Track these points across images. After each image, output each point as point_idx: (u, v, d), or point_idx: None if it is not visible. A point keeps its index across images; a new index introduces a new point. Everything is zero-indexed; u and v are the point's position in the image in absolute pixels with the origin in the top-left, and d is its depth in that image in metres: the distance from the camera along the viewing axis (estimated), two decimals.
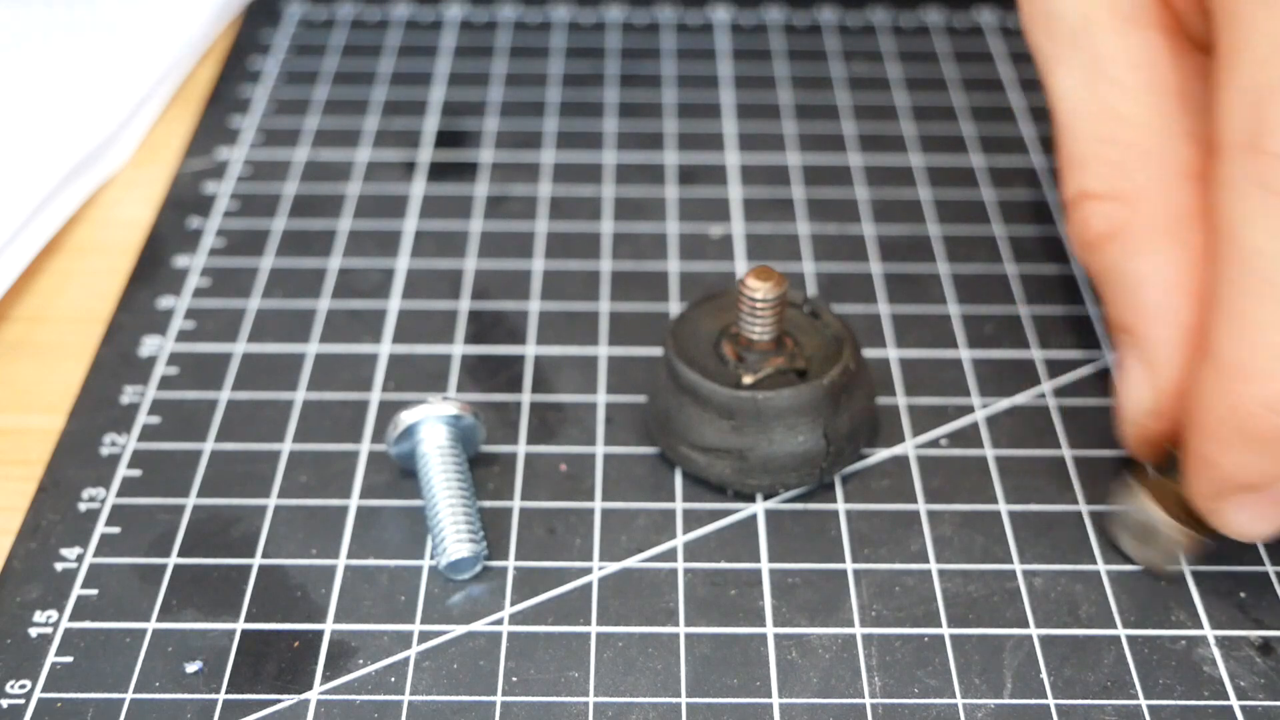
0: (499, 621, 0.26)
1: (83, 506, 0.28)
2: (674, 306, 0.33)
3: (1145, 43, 0.27)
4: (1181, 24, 0.27)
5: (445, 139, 0.39)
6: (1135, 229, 0.27)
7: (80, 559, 0.27)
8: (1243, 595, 0.27)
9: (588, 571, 0.27)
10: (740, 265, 0.34)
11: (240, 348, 0.32)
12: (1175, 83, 0.27)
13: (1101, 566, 0.27)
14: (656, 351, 0.32)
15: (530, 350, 0.32)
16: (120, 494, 0.28)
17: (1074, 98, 0.28)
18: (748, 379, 0.28)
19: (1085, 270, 0.29)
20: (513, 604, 0.26)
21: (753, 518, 0.28)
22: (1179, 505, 0.26)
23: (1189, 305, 0.26)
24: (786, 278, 0.28)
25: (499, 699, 0.25)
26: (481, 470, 0.29)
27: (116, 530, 0.28)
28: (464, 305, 0.33)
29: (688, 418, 0.28)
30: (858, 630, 0.26)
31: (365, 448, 0.29)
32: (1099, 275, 0.28)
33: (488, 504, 0.28)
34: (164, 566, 0.27)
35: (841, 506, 0.28)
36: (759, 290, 0.27)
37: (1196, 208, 0.26)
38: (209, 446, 0.29)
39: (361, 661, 0.25)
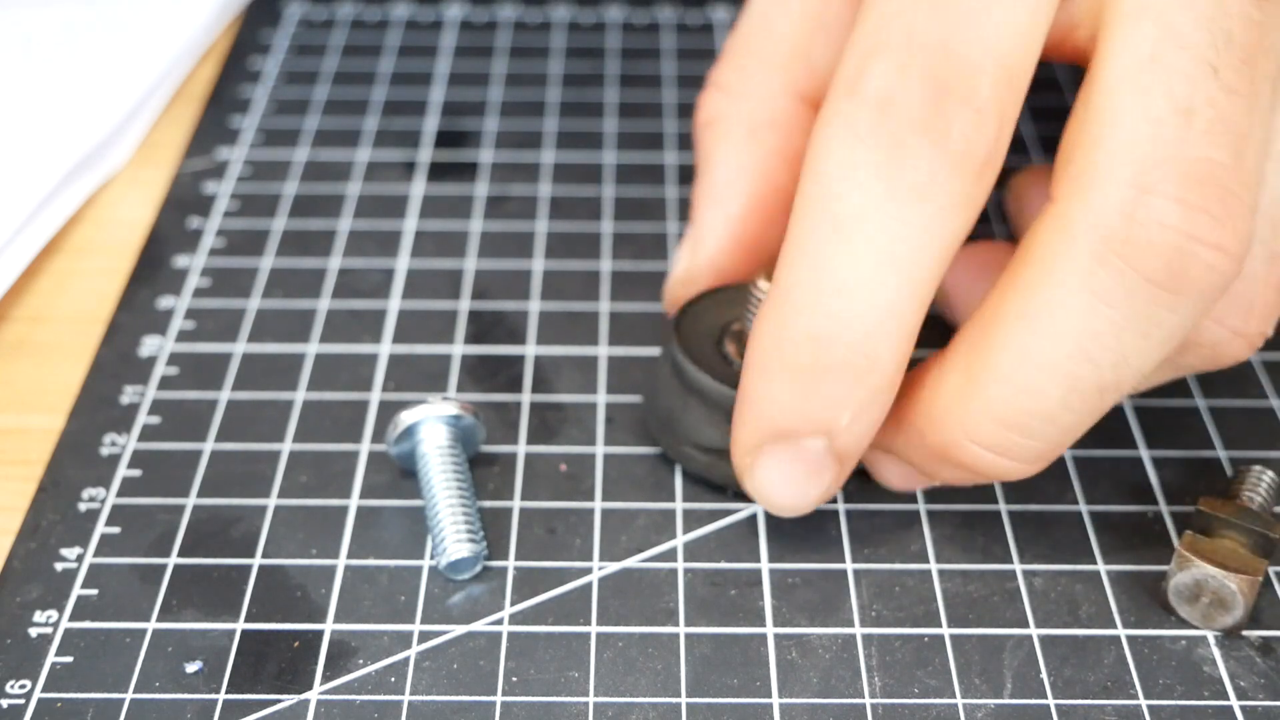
0: (499, 621, 0.26)
1: (83, 506, 0.28)
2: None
3: None
4: None
5: (445, 139, 0.39)
6: (728, 120, 0.29)
7: (80, 559, 0.27)
8: None
9: (588, 571, 0.27)
10: None
11: (240, 348, 0.32)
12: (829, 18, 0.29)
13: (1101, 566, 0.27)
14: (657, 351, 0.32)
15: (530, 350, 0.32)
16: (120, 494, 0.28)
17: (751, 9, 0.31)
18: None
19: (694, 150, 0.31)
20: (513, 604, 0.26)
21: (753, 518, 0.28)
22: (1226, 556, 0.25)
23: (740, 198, 0.29)
24: None
25: (499, 699, 0.25)
26: (481, 470, 0.29)
27: (116, 530, 0.28)
28: (464, 305, 0.33)
29: (692, 418, 0.28)
30: (858, 630, 0.26)
31: (365, 448, 0.29)
32: (697, 154, 0.31)
33: (488, 504, 0.28)
34: (164, 566, 0.27)
35: (841, 506, 0.28)
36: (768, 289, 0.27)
37: (787, 123, 0.29)
38: (209, 446, 0.29)
39: (361, 661, 0.25)
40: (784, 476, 0.25)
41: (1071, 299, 0.23)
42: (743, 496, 0.28)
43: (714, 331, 0.29)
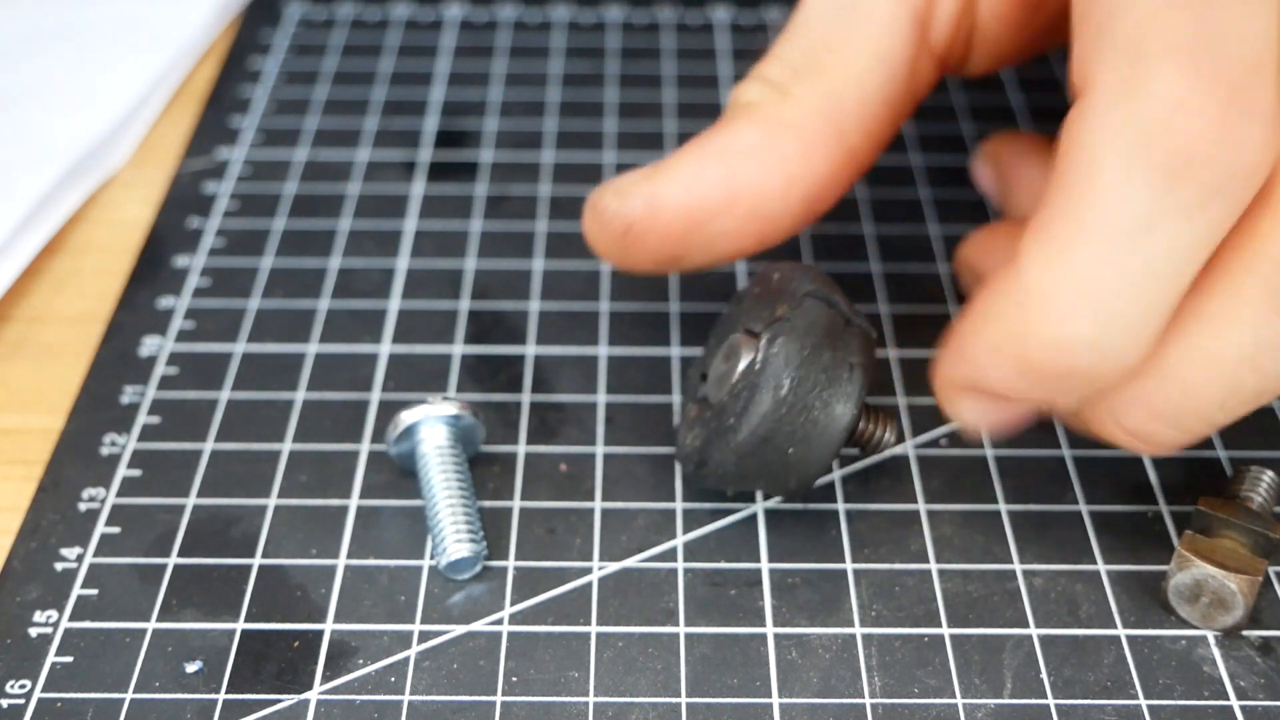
0: (499, 621, 0.26)
1: (83, 506, 0.28)
2: (674, 306, 0.33)
3: (890, 13, 0.28)
4: (926, 26, 0.28)
5: (445, 139, 0.39)
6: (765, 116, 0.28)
7: (80, 559, 0.27)
8: None
9: (588, 571, 0.27)
10: (741, 265, 0.34)
11: (240, 348, 0.32)
12: (891, 59, 0.28)
13: (1101, 566, 0.27)
14: (657, 351, 0.32)
15: (530, 350, 0.32)
16: (120, 494, 0.28)
17: (812, 9, 0.29)
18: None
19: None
20: (513, 604, 0.26)
21: (753, 518, 0.28)
22: (1226, 556, 0.25)
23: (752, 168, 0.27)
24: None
25: (499, 699, 0.25)
26: (481, 470, 0.29)
27: (116, 530, 0.28)
28: (464, 305, 0.33)
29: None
30: (858, 630, 0.26)
31: (365, 448, 0.29)
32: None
33: (488, 504, 0.28)
34: (164, 566, 0.27)
35: (841, 506, 0.28)
36: None
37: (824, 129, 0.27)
38: (209, 446, 0.29)
39: (361, 661, 0.25)
40: (983, 413, 0.25)
41: (1250, 309, 0.23)
42: (743, 496, 0.28)
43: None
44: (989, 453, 0.29)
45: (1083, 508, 0.28)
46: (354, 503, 0.28)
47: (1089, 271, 0.22)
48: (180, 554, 0.27)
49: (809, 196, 0.27)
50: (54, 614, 0.26)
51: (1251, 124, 0.22)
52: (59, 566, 0.27)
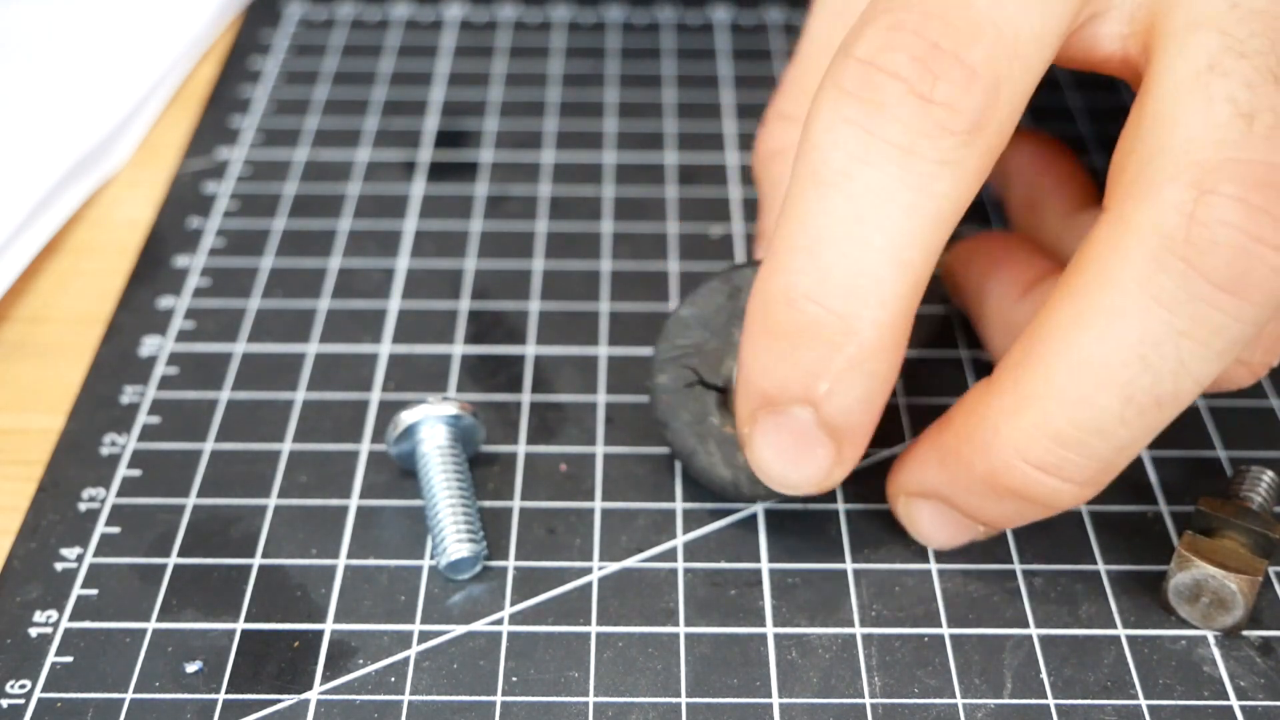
0: (499, 621, 0.26)
1: (83, 506, 0.28)
2: (674, 306, 0.33)
3: None
4: None
5: (445, 139, 0.39)
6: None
7: (80, 559, 0.27)
8: None
9: (588, 571, 0.27)
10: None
11: (240, 348, 0.32)
12: None
13: (1101, 566, 0.27)
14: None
15: (530, 350, 0.32)
16: (120, 494, 0.28)
17: (814, 36, 0.30)
18: None
19: (755, 179, 0.31)
20: (513, 604, 0.26)
21: (753, 518, 0.28)
22: (1226, 556, 0.25)
23: None
24: None
25: (499, 699, 0.25)
26: (481, 470, 0.29)
27: (116, 530, 0.28)
28: (464, 305, 0.33)
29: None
30: (858, 630, 0.26)
31: (365, 448, 0.29)
32: (761, 185, 0.30)
33: (488, 504, 0.28)
34: (164, 566, 0.27)
35: (841, 506, 0.28)
36: None
37: None
38: (209, 446, 0.29)
39: (361, 661, 0.25)
40: (776, 447, 0.24)
41: (1130, 303, 0.22)
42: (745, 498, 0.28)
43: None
44: None
45: (1083, 508, 0.28)
46: (354, 503, 0.28)
47: (809, 226, 0.23)
48: (180, 554, 0.27)
49: None
50: (54, 614, 0.26)
51: None
52: (59, 566, 0.27)
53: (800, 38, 0.31)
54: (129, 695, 0.25)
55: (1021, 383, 0.23)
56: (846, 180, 0.22)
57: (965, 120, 0.22)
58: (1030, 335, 0.23)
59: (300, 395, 0.31)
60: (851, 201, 0.22)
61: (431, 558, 0.27)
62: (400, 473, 0.29)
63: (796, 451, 0.24)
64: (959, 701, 0.25)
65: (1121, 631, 0.26)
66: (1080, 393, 0.23)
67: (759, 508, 0.28)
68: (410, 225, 0.36)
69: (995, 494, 0.24)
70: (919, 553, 0.27)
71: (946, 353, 0.32)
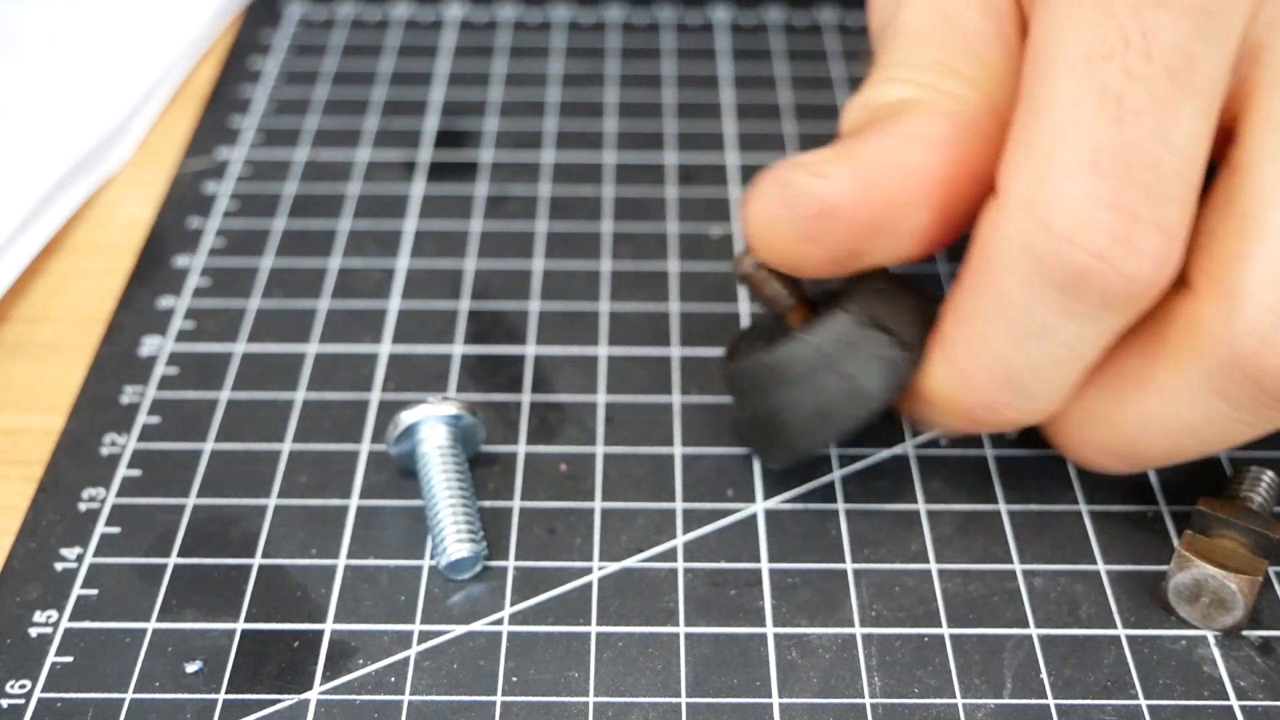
0: (499, 621, 0.26)
1: (83, 506, 0.28)
2: (674, 306, 0.33)
3: None
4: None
5: (445, 139, 0.39)
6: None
7: (80, 559, 0.27)
8: None
9: (588, 571, 0.27)
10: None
11: (240, 348, 0.32)
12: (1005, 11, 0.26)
13: (1101, 566, 0.27)
14: (657, 351, 0.32)
15: (530, 350, 0.32)
16: (120, 494, 0.28)
17: (915, 11, 0.27)
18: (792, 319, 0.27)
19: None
20: (513, 604, 0.26)
21: (753, 518, 0.28)
22: (1226, 556, 0.25)
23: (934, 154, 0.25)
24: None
25: (499, 699, 0.25)
26: (481, 470, 0.29)
27: (116, 530, 0.28)
28: (464, 305, 0.33)
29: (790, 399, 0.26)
30: (858, 630, 0.26)
31: (365, 448, 0.29)
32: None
33: (488, 504, 0.28)
34: (164, 566, 0.27)
35: (841, 506, 0.28)
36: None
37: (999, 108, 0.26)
38: (209, 446, 0.29)
39: (361, 661, 0.25)
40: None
41: (1195, 392, 0.24)
42: (743, 496, 0.28)
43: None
44: (989, 453, 0.29)
45: (1083, 508, 0.28)
46: (354, 503, 0.28)
47: (998, 360, 0.25)
48: (180, 554, 0.27)
49: (980, 199, 0.26)
50: (54, 614, 0.26)
51: (1152, 238, 0.22)
52: (59, 566, 0.27)
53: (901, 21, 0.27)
54: (129, 695, 0.25)
55: (1094, 413, 0.26)
56: (1048, 335, 0.24)
57: (1161, 282, 0.23)
58: (1110, 372, 0.25)
59: (300, 395, 0.31)
60: (1050, 350, 0.24)
61: (431, 558, 0.27)
62: (400, 473, 0.29)
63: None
64: (959, 701, 0.25)
65: (1121, 631, 0.26)
66: (1138, 435, 0.25)
67: (759, 508, 0.28)
68: (410, 225, 0.36)
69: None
70: (919, 553, 0.27)
71: None
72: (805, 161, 0.25)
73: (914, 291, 0.27)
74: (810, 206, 0.24)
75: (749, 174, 0.38)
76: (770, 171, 0.25)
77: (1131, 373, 0.25)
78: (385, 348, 0.32)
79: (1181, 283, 0.24)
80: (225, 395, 0.31)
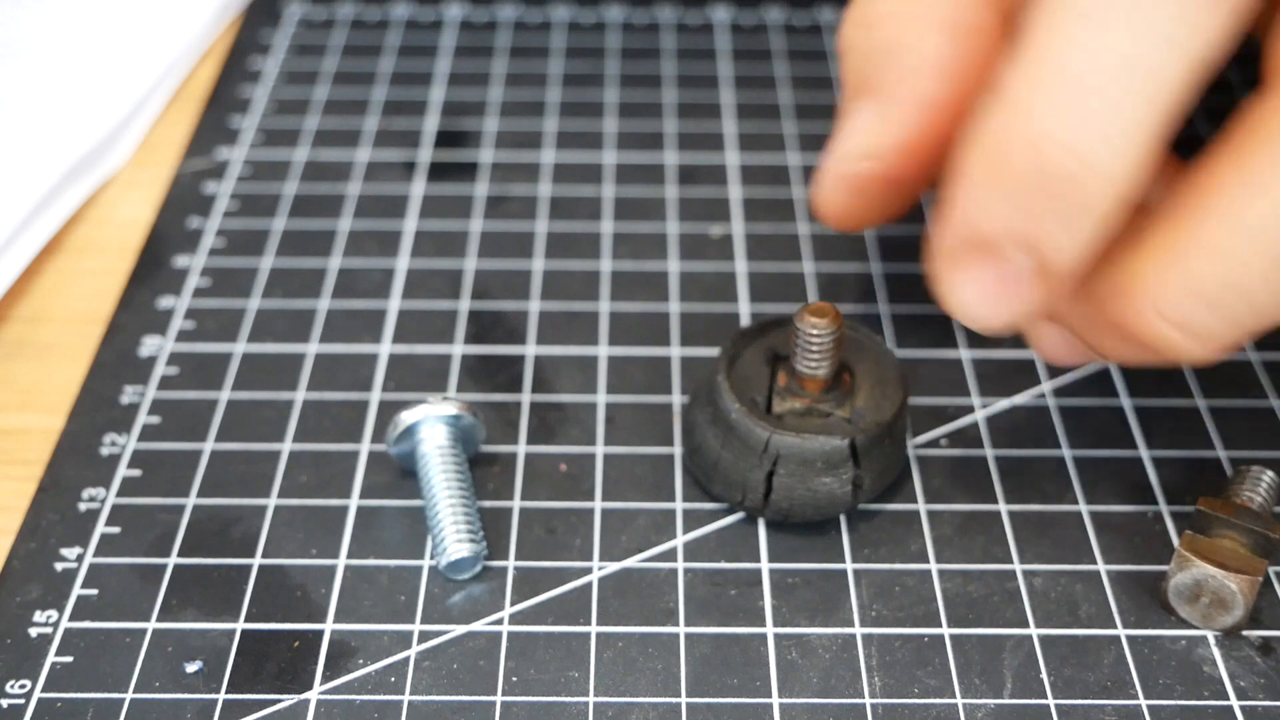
0: (499, 621, 0.26)
1: (83, 506, 0.28)
2: (674, 306, 0.33)
3: None
4: None
5: (445, 139, 0.39)
6: (921, 14, 0.26)
7: (80, 559, 0.27)
8: None
9: (588, 571, 0.27)
10: (741, 265, 0.34)
11: (240, 348, 0.32)
12: None
13: (1101, 566, 0.27)
14: (657, 351, 0.32)
15: (530, 350, 0.32)
16: (120, 494, 0.28)
17: None
18: (778, 407, 0.28)
19: (842, 56, 0.27)
20: (513, 604, 0.26)
21: (753, 517, 0.28)
22: (1226, 556, 0.25)
23: (943, 84, 0.25)
24: (842, 314, 0.27)
25: (499, 699, 0.25)
26: (481, 470, 0.29)
27: (116, 530, 0.28)
28: (464, 305, 0.33)
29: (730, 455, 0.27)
30: (858, 630, 0.26)
31: (365, 448, 0.29)
32: (860, 53, 0.26)
33: (488, 504, 0.28)
34: (164, 566, 0.27)
35: None
36: (815, 327, 0.27)
37: (985, 27, 0.25)
38: (209, 446, 0.29)
39: (361, 661, 0.25)
40: (980, 290, 0.23)
41: None
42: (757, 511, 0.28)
43: (763, 362, 0.28)
44: (989, 453, 0.29)
45: (1083, 508, 0.28)
46: (354, 503, 0.28)
47: (1065, 65, 0.21)
48: (180, 554, 0.27)
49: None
50: (54, 614, 0.26)
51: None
52: (59, 566, 0.27)
53: None
54: (129, 695, 0.25)
55: (1176, 234, 0.23)
56: (1109, 17, 0.21)
57: None
58: (1189, 191, 0.23)
59: (300, 395, 0.31)
60: (1113, 41, 0.21)
61: (431, 558, 0.27)
62: (400, 473, 0.29)
63: (1002, 296, 0.23)
64: (959, 701, 0.25)
65: (1121, 631, 0.26)
66: (1231, 250, 0.22)
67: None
68: (410, 225, 0.36)
69: (1120, 337, 0.24)
70: (919, 553, 0.27)
71: (945, 353, 0.32)
72: (857, 148, 0.26)
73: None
74: (850, 170, 0.26)
75: (749, 174, 0.38)
76: (827, 167, 0.26)
77: (1222, 181, 0.22)
78: (385, 348, 0.32)
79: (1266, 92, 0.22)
80: (225, 395, 0.31)
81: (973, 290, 0.23)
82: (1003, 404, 0.31)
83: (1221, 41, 0.22)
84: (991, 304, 0.23)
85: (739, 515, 0.28)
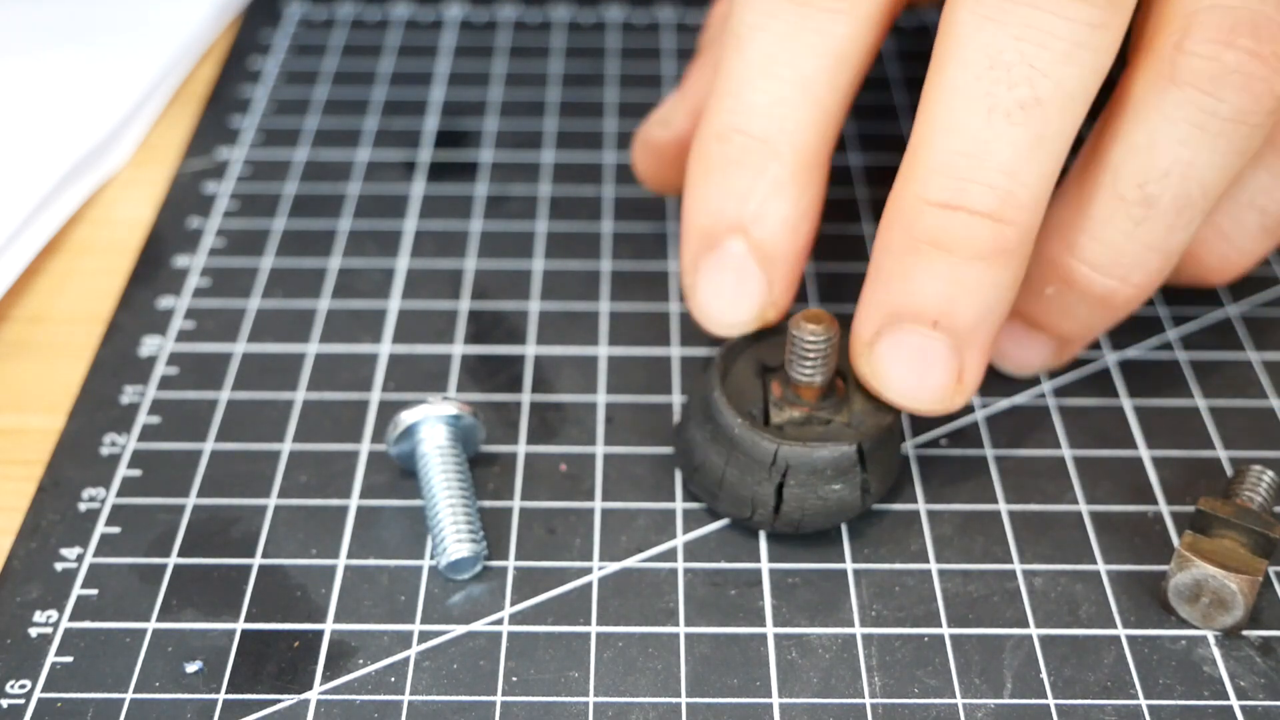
0: (499, 621, 0.26)
1: (83, 506, 0.28)
2: (674, 306, 0.33)
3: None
4: None
5: (445, 139, 0.39)
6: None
7: (80, 559, 0.27)
8: None
9: (588, 571, 0.27)
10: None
11: (240, 348, 0.32)
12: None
13: (1101, 566, 0.27)
14: (657, 351, 0.32)
15: (530, 350, 0.32)
16: (120, 494, 0.28)
17: None
18: (776, 418, 0.28)
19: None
20: (513, 604, 0.26)
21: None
22: (1226, 556, 0.25)
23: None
24: (837, 321, 0.27)
25: (499, 699, 0.25)
26: (481, 470, 0.29)
27: (116, 530, 0.28)
28: (464, 305, 0.33)
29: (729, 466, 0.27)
30: (858, 630, 0.26)
31: (365, 448, 0.29)
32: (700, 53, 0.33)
33: (488, 504, 0.28)
34: (164, 566, 0.27)
35: None
36: (811, 334, 0.27)
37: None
38: (209, 446, 0.29)
39: (361, 661, 0.25)
40: (715, 287, 0.28)
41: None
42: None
43: (754, 374, 0.28)
44: (989, 453, 0.29)
45: (1083, 508, 0.28)
46: (354, 503, 0.28)
47: (728, 71, 0.28)
48: (180, 554, 0.27)
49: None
50: (54, 614, 0.26)
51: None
52: (59, 566, 0.27)
53: None
54: (129, 695, 0.25)
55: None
56: (758, 31, 0.27)
57: None
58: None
59: (300, 395, 0.31)
60: (762, 47, 0.27)
61: (431, 558, 0.27)
62: (400, 473, 0.29)
63: (734, 288, 0.28)
64: (959, 701, 0.25)
65: (1121, 631, 0.26)
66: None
67: None
68: (410, 225, 0.36)
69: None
70: (919, 553, 0.27)
71: None
72: (658, 116, 0.32)
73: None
74: (665, 152, 0.32)
75: None
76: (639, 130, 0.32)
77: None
78: (385, 348, 0.32)
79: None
80: (225, 395, 0.31)
81: (710, 289, 0.28)
82: (1003, 404, 0.31)
83: (863, 34, 0.27)
84: (727, 300, 0.28)
85: None
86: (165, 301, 0.33)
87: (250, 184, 0.37)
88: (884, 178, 0.37)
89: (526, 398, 0.31)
